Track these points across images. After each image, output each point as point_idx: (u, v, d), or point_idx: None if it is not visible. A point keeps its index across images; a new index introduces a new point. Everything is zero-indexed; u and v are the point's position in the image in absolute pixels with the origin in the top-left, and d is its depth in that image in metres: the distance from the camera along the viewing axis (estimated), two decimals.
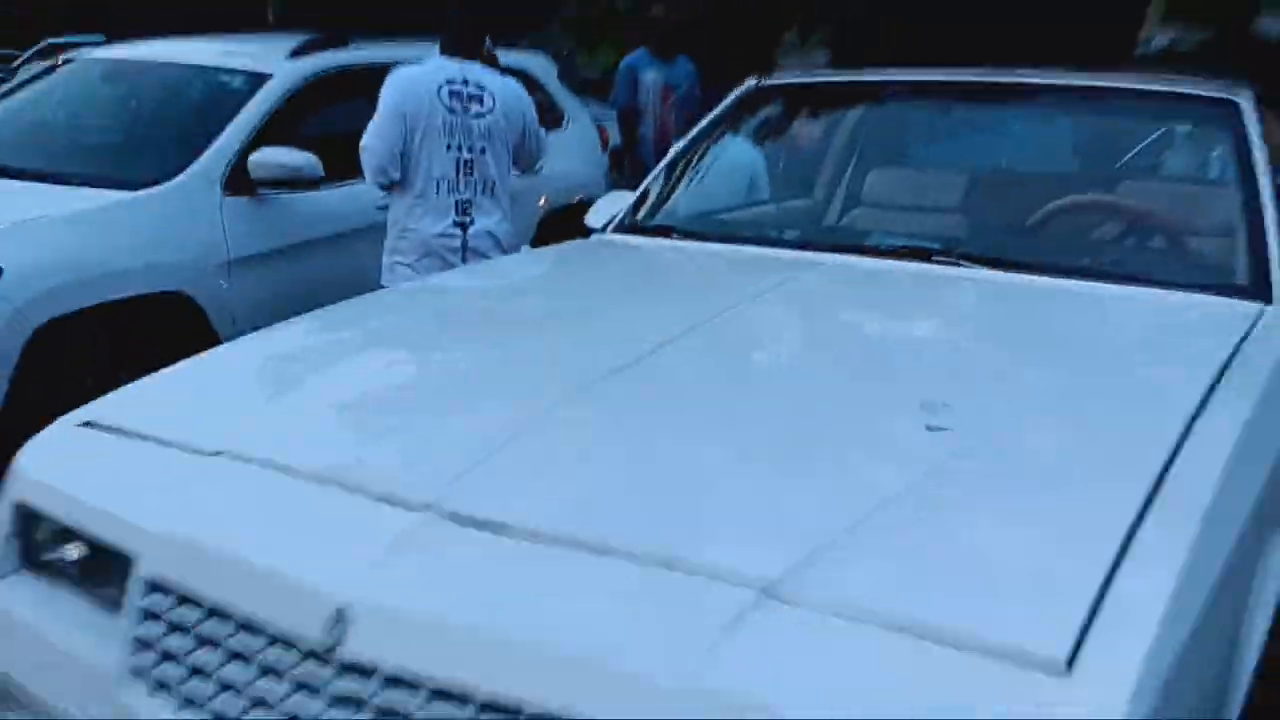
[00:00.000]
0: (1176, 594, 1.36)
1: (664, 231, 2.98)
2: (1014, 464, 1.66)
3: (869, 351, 2.19)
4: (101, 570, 1.78)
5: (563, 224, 5.42)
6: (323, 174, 4.42)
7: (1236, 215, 2.51)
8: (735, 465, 1.67)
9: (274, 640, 1.49)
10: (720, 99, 3.94)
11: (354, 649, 1.42)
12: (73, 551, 1.85)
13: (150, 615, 1.63)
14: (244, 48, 5.04)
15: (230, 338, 4.17)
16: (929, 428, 1.73)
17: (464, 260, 3.95)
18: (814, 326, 2.34)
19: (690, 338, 2.09)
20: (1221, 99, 2.73)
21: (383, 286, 3.97)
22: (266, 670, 1.49)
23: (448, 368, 2.14)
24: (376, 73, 4.96)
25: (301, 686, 1.45)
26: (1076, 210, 2.68)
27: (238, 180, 4.33)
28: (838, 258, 2.62)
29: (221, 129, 4.39)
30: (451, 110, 3.86)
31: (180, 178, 4.22)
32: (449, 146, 3.88)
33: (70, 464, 1.91)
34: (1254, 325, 2.21)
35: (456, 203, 3.95)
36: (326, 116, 4.84)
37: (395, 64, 5.04)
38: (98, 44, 6.26)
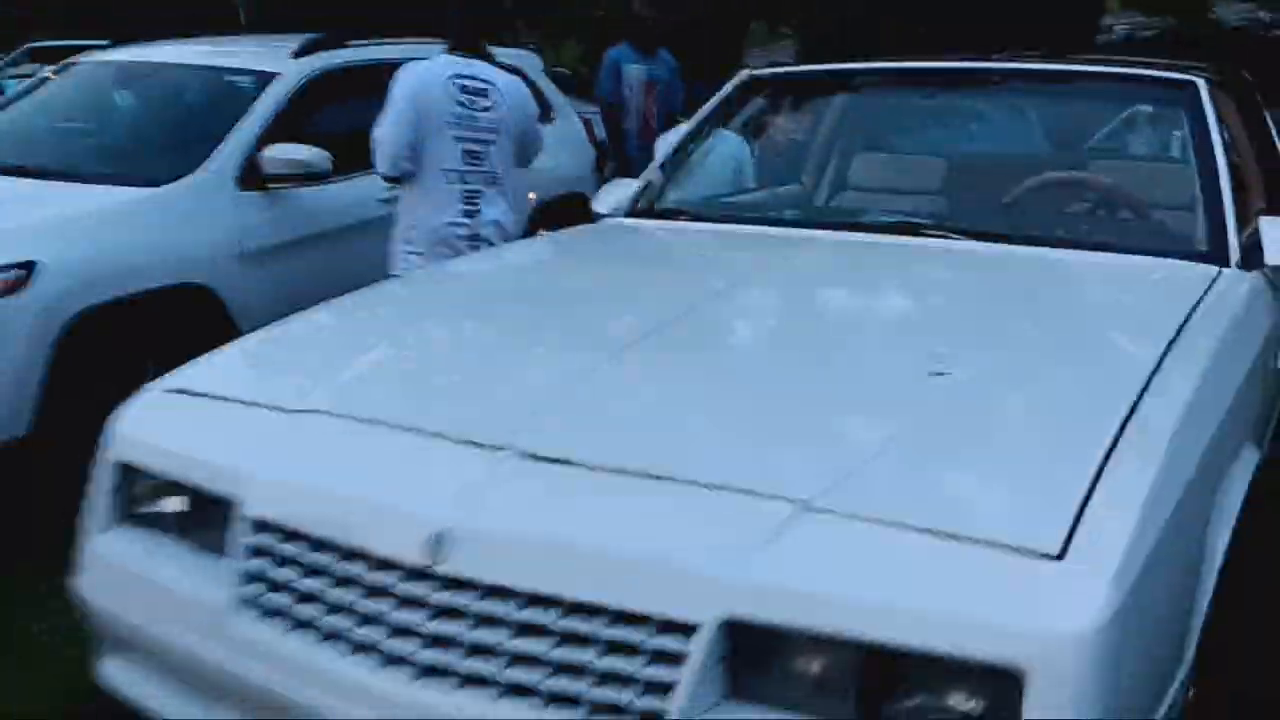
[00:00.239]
0: (1150, 499, 1.61)
1: (673, 214, 3.23)
2: (1008, 399, 1.92)
3: (873, 311, 2.45)
4: (202, 518, 2.00)
5: (553, 217, 5.67)
6: (331, 168, 4.62)
7: (1195, 189, 2.78)
8: (767, 405, 1.92)
9: (378, 565, 1.72)
10: (702, 91, 4.18)
11: (453, 567, 1.65)
12: (172, 503, 2.07)
13: (257, 551, 1.85)
14: (248, 49, 5.24)
15: (246, 326, 4.40)
16: (932, 373, 1.98)
17: (472, 249, 4.17)
18: (822, 292, 2.60)
19: (714, 302, 2.34)
20: (1181, 81, 3.00)
21: (391, 274, 4.19)
22: (373, 590, 1.72)
23: (501, 333, 2.38)
24: (375, 71, 5.20)
25: (406, 602, 1.68)
26: (1051, 186, 2.94)
27: (250, 175, 4.53)
28: (837, 234, 2.88)
29: (233, 127, 4.58)
30: (460, 104, 4.07)
31: (196, 174, 4.42)
32: (458, 139, 4.09)
33: (165, 425, 2.13)
34: (1212, 284, 2.48)
35: (464, 193, 4.15)
36: (330, 113, 5.05)
37: (392, 62, 5.27)
38: (81, 47, 6.40)
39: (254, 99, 4.69)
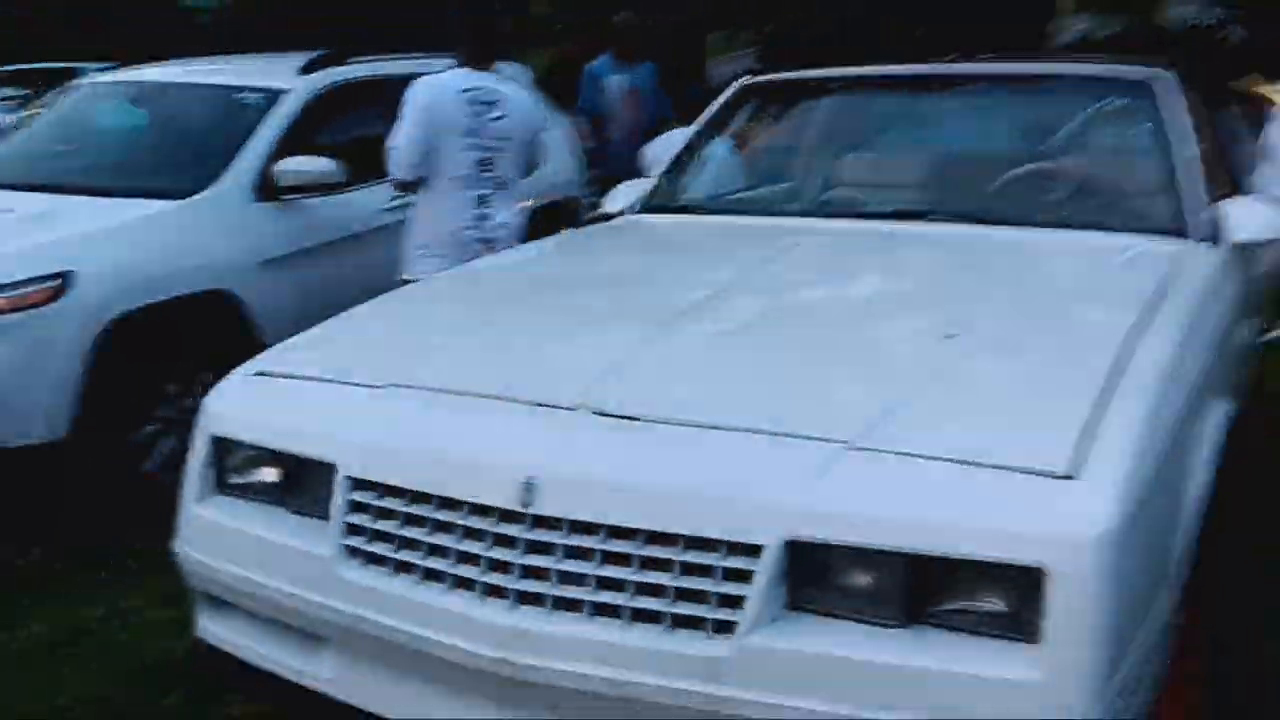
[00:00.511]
0: (1143, 431, 1.89)
1: (686, 210, 3.50)
2: (1012, 354, 2.20)
3: (884, 285, 2.73)
4: (294, 484, 2.24)
5: (546, 223, 5.91)
6: (343, 179, 4.86)
7: (1164, 173, 3.08)
8: (805, 364, 2.20)
9: (472, 510, 1.96)
10: (685, 98, 4.43)
11: (543, 508, 1.89)
12: (266, 473, 2.30)
13: (357, 507, 2.09)
14: (257, 66, 5.46)
15: (265, 332, 4.63)
16: (945, 336, 2.25)
17: (483, 251, 4.40)
18: (837, 270, 2.88)
19: (744, 281, 2.63)
20: (1148, 76, 3.32)
21: (405, 277, 4.42)
22: (469, 533, 1.96)
23: (556, 313, 2.64)
24: (377, 85, 5.46)
25: (501, 541, 1.92)
26: (1035, 175, 3.25)
27: (265, 187, 4.75)
28: (842, 222, 3.17)
29: (247, 141, 4.81)
30: (472, 115, 4.32)
31: (215, 187, 4.65)
32: (469, 148, 4.33)
33: (258, 402, 2.36)
34: (1181, 256, 2.79)
35: (476, 197, 4.40)
36: (337, 125, 5.29)
37: (392, 77, 5.53)
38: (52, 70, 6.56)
39: (266, 114, 4.92)
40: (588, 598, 1.86)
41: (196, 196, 4.58)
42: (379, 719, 2.11)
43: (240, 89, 5.10)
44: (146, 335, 4.22)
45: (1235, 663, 2.91)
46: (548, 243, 3.54)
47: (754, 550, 1.78)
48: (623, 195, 3.78)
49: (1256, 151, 3.95)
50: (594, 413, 2.03)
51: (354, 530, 2.09)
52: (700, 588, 1.81)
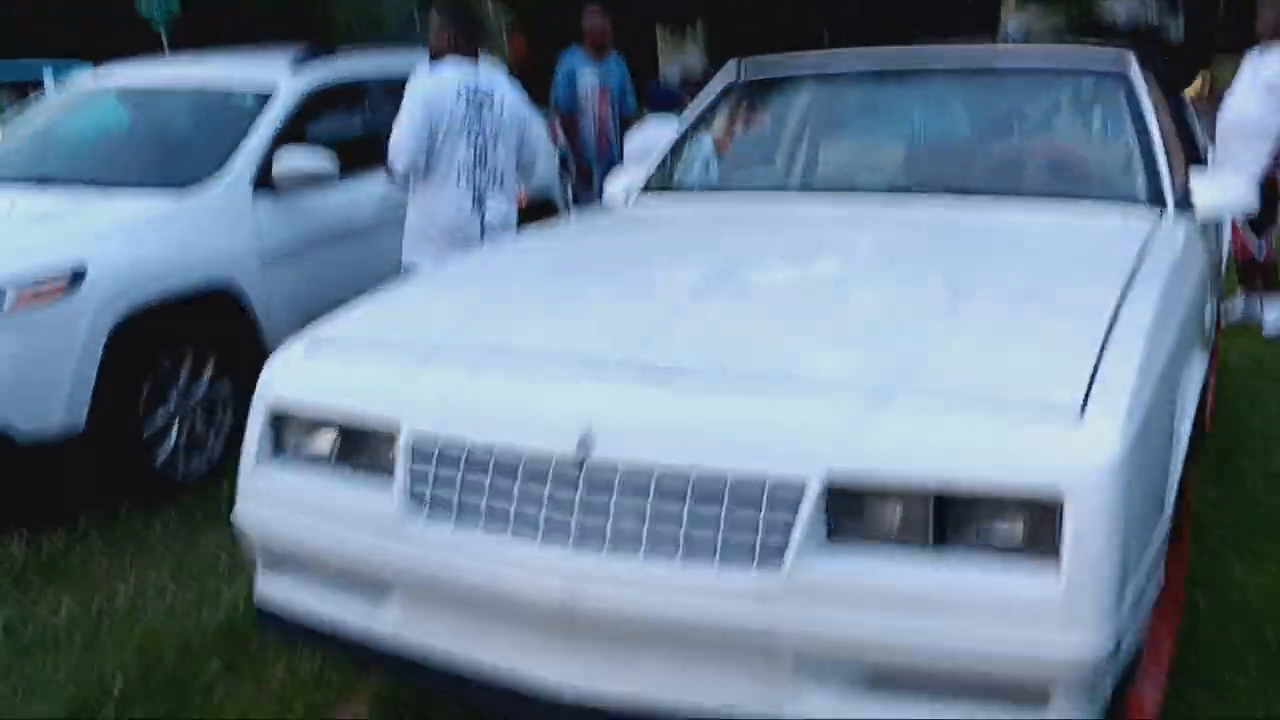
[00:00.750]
0: (1140, 373, 2.09)
1: (687, 191, 3.69)
2: (1019, 308, 2.41)
3: (891, 250, 2.94)
4: (357, 446, 2.39)
5: (528, 215, 6.08)
6: (338, 172, 4.99)
7: (1138, 148, 3.32)
8: (831, 321, 2.41)
9: (532, 459, 2.13)
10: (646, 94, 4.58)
11: (600, 455, 2.07)
12: (324, 438, 2.45)
13: (420, 462, 2.25)
14: (248, 63, 5.58)
15: (267, 321, 4.76)
16: (954, 294, 2.45)
17: (481, 239, 4.57)
18: (842, 239, 3.09)
19: (759, 252, 2.83)
20: (1117, 60, 3.57)
21: (405, 266, 4.57)
22: (529, 479, 2.13)
23: (592, 283, 2.84)
24: (365, 81, 5.60)
25: (561, 485, 2.09)
26: (1021, 153, 3.49)
27: (264, 181, 4.87)
28: (842, 197, 3.38)
29: (245, 136, 4.92)
30: (468, 109, 4.48)
31: (215, 181, 4.75)
32: (467, 141, 4.50)
33: (314, 373, 2.51)
34: (1158, 223, 3.03)
35: (474, 189, 4.56)
36: (330, 119, 5.42)
37: (379, 72, 5.68)
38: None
39: (261, 109, 5.03)
40: (644, 536, 2.03)
41: (200, 191, 4.68)
42: (440, 661, 2.27)
43: (235, 84, 5.21)
44: (156, 327, 4.34)
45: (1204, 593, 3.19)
46: (565, 223, 3.71)
47: (798, 488, 1.97)
48: (620, 181, 3.95)
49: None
50: (642, 367, 2.21)
51: (418, 485, 2.24)
52: (748, 523, 1.99)
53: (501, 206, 4.65)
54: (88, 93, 5.60)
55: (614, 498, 2.06)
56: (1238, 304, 6.37)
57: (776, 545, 1.97)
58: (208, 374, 4.61)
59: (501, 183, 4.65)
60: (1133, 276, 2.53)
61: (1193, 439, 2.46)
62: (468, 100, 4.48)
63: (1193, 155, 3.86)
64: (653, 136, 5.88)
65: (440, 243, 4.54)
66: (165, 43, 17.11)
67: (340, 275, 5.06)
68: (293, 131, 5.09)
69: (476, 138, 4.52)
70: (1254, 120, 5.78)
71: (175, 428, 4.46)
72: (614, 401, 2.14)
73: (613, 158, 7.46)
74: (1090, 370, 2.06)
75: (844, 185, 3.56)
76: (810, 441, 1.99)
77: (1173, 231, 3.01)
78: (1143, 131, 3.31)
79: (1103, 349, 2.13)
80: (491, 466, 2.17)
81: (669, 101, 6.70)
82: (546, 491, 2.11)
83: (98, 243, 4.25)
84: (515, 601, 2.11)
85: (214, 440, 4.66)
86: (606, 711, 2.06)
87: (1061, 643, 1.86)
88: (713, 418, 2.08)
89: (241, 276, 4.70)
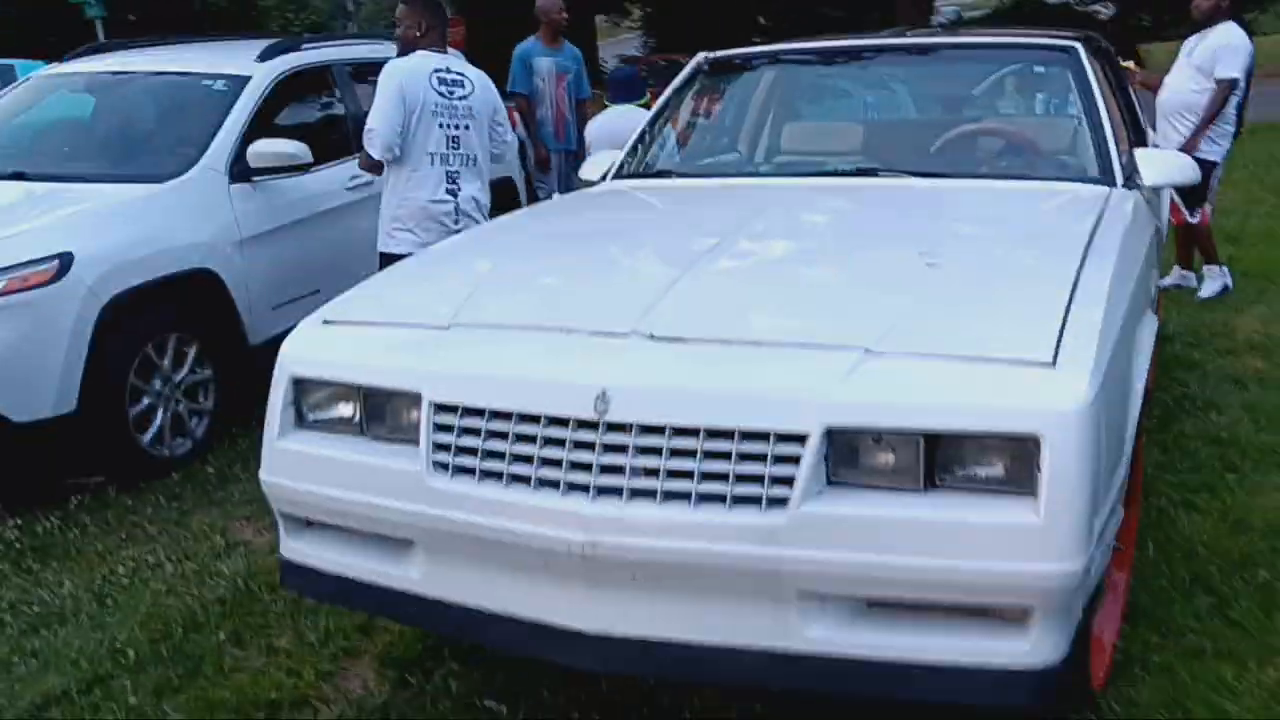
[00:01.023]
0: (1103, 330, 2.31)
1: (663, 174, 3.87)
2: (988, 275, 2.62)
3: (864, 225, 3.14)
4: (377, 413, 2.54)
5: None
6: (311, 160, 5.09)
7: (1087, 129, 3.56)
8: (817, 289, 2.60)
9: (550, 422, 2.29)
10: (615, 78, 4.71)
11: (616, 415, 2.24)
12: (345, 406, 2.60)
13: (442, 427, 2.40)
14: (215, 54, 5.66)
15: (245, 306, 4.87)
16: (929, 264, 2.66)
17: (456, 223, 4.70)
18: (822, 215, 3.29)
19: (742, 229, 3.00)
20: (1066, 44, 3.80)
21: (381, 250, 4.70)
22: (548, 441, 2.29)
23: (589, 260, 3.00)
24: (329, 68, 5.71)
25: (578, 446, 2.26)
26: (976, 133, 3.70)
27: (239, 169, 4.97)
28: (811, 179, 3.58)
29: (219, 126, 5.02)
30: (441, 95, 4.61)
31: (192, 171, 4.85)
32: (440, 125, 4.63)
33: (334, 346, 2.66)
34: (1108, 199, 3.25)
35: (447, 173, 4.70)
36: (298, 108, 5.52)
37: (344, 60, 5.79)
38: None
39: (234, 99, 5.12)
40: (659, 487, 2.21)
41: (175, 180, 4.78)
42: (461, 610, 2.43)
43: (205, 75, 5.29)
44: (141, 312, 4.43)
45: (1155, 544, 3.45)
46: (549, 204, 3.87)
47: (800, 438, 2.16)
48: (596, 166, 4.12)
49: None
50: (646, 335, 2.38)
51: (441, 448, 2.40)
52: (754, 472, 2.18)
53: (475, 191, 4.79)
54: (56, 85, 5.64)
55: (631, 453, 2.23)
56: (1173, 272, 6.79)
57: (782, 490, 2.16)
58: (190, 358, 4.71)
59: (473, 166, 4.79)
60: (1089, 246, 2.75)
61: (1144, 396, 2.69)
62: (440, 85, 4.61)
63: (1136, 133, 4.12)
64: (614, 122, 6.03)
65: (415, 228, 4.66)
66: (100, 33, 16.96)
67: (315, 259, 5.19)
68: (265, 120, 5.20)
69: (450, 124, 4.66)
70: (1191, 99, 6.23)
71: (160, 410, 4.56)
72: (627, 366, 2.31)
73: (570, 143, 7.61)
74: (1059, 327, 2.27)
75: (814, 168, 3.76)
76: (810, 397, 2.18)
77: (1124, 203, 3.24)
78: (1097, 110, 3.54)
79: (1068, 309, 2.35)
80: (511, 430, 2.33)
81: (628, 85, 6.81)
82: (567, 450, 2.27)
83: (82, 231, 4.33)
84: (538, 550, 2.28)
85: (196, 423, 4.77)
86: (628, 639, 2.24)
87: (1041, 568, 2.07)
88: (720, 378, 2.26)
89: (220, 262, 4.80)
